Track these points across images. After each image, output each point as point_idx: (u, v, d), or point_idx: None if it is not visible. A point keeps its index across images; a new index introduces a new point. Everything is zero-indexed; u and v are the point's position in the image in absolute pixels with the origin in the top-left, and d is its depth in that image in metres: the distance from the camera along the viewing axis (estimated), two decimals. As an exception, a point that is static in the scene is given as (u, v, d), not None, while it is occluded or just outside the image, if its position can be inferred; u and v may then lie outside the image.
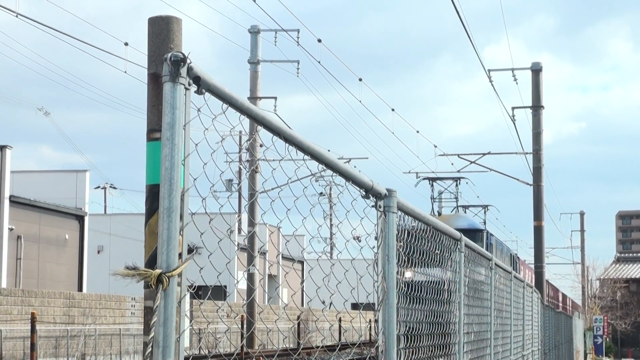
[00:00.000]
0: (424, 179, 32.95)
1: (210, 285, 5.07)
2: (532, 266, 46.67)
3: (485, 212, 38.21)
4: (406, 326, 5.65)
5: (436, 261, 6.52)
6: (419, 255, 5.96)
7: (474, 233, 27.74)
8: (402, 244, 5.37)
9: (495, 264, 9.83)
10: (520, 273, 34.63)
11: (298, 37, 33.50)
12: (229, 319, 42.61)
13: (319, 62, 32.19)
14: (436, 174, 35.92)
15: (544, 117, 32.77)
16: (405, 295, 5.65)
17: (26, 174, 46.50)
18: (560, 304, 65.80)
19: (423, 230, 6.01)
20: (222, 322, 43.03)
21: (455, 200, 32.91)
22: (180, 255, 3.03)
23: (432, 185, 32.62)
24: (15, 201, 39.36)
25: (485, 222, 37.02)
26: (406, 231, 5.51)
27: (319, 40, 32.38)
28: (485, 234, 30.06)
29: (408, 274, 6.24)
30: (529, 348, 15.69)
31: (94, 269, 47.89)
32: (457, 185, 32.77)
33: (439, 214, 31.08)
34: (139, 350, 35.78)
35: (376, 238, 4.98)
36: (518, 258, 40.57)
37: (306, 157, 4.08)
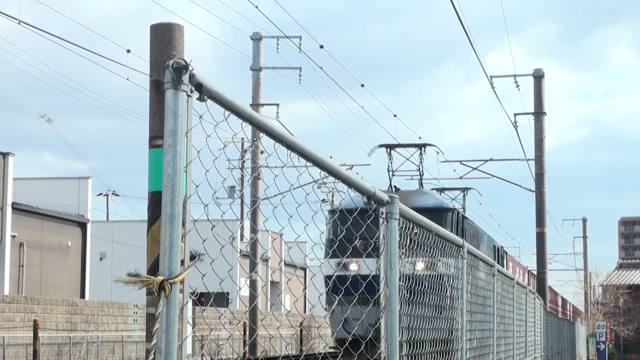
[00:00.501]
0: (380, 146, 26.68)
1: (213, 292, 5.07)
2: (523, 265, 46.36)
3: (464, 195, 32.96)
4: (408, 332, 5.63)
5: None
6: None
7: (441, 213, 23.32)
8: (404, 250, 5.35)
9: (498, 270, 9.82)
10: (508, 270, 28.86)
11: (300, 44, 33.52)
12: (231, 325, 42.59)
13: (321, 68, 32.20)
14: (397, 141, 30.76)
15: (547, 123, 32.80)
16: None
17: (29, 181, 46.52)
18: (560, 309, 65.57)
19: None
20: (224, 328, 43.01)
21: (419, 174, 26.53)
22: (182, 262, 3.03)
23: (390, 154, 26.18)
24: (17, 208, 39.38)
25: (464, 209, 32.13)
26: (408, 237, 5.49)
27: (321, 46, 32.39)
28: (455, 215, 24.66)
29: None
30: (532, 354, 15.68)
31: (97, 276, 47.89)
32: (421, 154, 26.38)
33: (396, 189, 25.20)
34: (141, 357, 35.76)
35: (378, 245, 4.98)
36: (505, 252, 35.82)
37: (308, 163, 4.08)
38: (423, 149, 26.50)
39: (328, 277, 21.96)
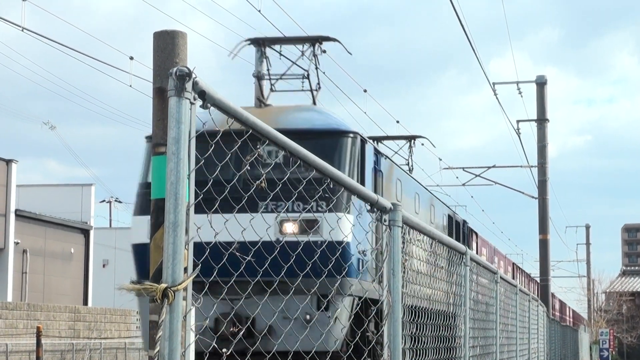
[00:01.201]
0: (249, 41, 16.91)
1: (216, 299, 5.06)
2: (503, 254, 45.83)
3: (411, 145, 23.23)
4: (411, 339, 5.61)
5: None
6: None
7: (333, 139, 14.13)
8: (407, 257, 5.34)
9: (501, 277, 9.81)
10: (482, 257, 21.10)
11: (303, 50, 33.49)
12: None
13: (324, 73, 32.15)
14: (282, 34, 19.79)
15: (549, 130, 32.81)
16: None
17: (32, 188, 46.56)
18: (558, 313, 65.24)
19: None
20: (227, 335, 42.95)
21: (310, 85, 17.63)
22: (185, 269, 3.03)
23: (264, 54, 17.08)
24: (21, 215, 39.41)
25: (410, 164, 22.96)
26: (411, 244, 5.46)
27: (324, 51, 32.35)
28: (356, 144, 14.35)
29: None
30: (535, 361, 15.66)
31: (99, 283, 47.87)
32: (314, 53, 17.68)
33: (261, 102, 16.41)
34: (144, 364, 35.76)
35: (381, 252, 4.97)
36: (474, 233, 27.37)
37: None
38: (316, 46, 17.84)
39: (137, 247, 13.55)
